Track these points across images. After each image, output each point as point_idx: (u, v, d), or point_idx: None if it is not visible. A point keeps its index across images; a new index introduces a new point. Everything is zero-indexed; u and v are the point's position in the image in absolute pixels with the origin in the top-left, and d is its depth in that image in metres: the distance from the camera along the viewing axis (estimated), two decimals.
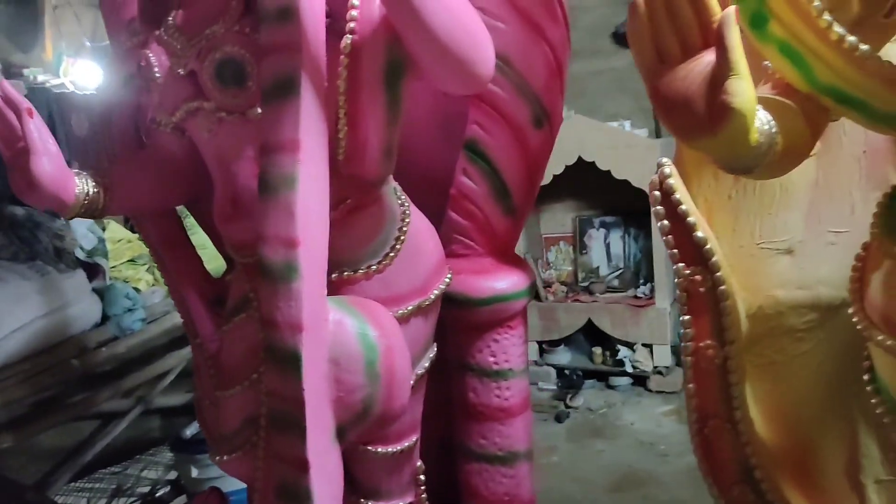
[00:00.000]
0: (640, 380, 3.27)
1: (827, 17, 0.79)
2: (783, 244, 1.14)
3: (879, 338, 0.88)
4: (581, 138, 3.10)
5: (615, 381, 3.30)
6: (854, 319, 0.93)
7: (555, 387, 3.35)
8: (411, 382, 1.18)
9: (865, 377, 0.95)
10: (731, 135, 0.75)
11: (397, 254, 1.17)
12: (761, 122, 0.80)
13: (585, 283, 3.44)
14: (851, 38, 0.79)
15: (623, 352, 3.27)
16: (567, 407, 3.17)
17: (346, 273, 1.14)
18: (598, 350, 3.35)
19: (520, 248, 3.37)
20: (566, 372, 3.36)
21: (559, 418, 3.08)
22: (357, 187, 1.11)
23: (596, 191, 3.38)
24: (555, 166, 3.19)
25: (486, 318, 1.33)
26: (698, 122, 0.76)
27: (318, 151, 0.98)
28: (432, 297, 1.22)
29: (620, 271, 3.39)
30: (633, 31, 0.80)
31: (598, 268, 3.46)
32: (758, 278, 1.16)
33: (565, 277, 3.54)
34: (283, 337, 0.95)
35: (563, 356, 3.43)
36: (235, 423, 1.22)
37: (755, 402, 1.20)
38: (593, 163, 3.10)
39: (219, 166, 1.15)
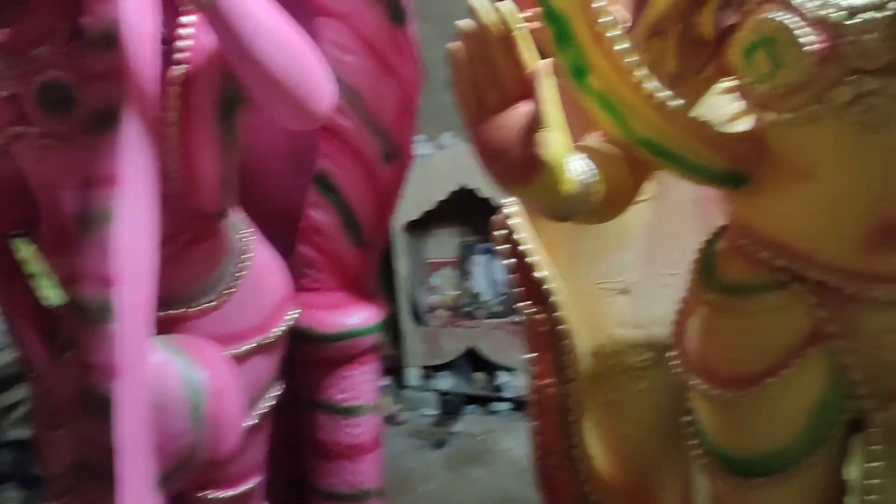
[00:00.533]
0: (520, 405, 3.30)
1: (639, 72, 0.82)
2: (620, 284, 1.17)
3: (695, 382, 0.91)
4: (464, 165, 3.10)
5: (496, 406, 3.32)
6: (673, 363, 0.96)
7: (436, 412, 3.34)
8: (251, 423, 1.15)
9: (687, 419, 0.97)
10: (542, 185, 0.76)
11: (236, 290, 1.12)
12: (579, 171, 0.81)
13: (468, 309, 3.46)
14: (661, 94, 0.82)
15: (503, 377, 3.30)
16: (447, 433, 3.16)
17: (179, 310, 1.09)
18: (479, 375, 3.37)
19: (404, 272, 3.37)
20: (448, 397, 3.35)
21: (439, 445, 3.06)
22: (194, 220, 1.07)
23: (480, 217, 3.40)
24: (439, 192, 3.20)
25: (336, 353, 1.31)
26: (512, 171, 0.77)
27: (141, 185, 0.94)
28: (276, 334, 1.18)
29: (503, 297, 3.42)
30: (453, 78, 0.80)
31: (480, 293, 3.48)
32: (598, 317, 1.18)
33: (450, 302, 3.54)
34: (96, 381, 0.90)
35: (445, 381, 3.42)
36: (62, 467, 1.14)
37: (597, 438, 1.22)
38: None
39: (45, 194, 1.09)
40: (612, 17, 0.83)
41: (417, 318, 3.41)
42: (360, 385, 1.32)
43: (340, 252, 1.30)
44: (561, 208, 0.82)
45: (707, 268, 0.91)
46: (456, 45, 0.78)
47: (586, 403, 1.18)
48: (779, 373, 0.83)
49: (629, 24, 0.94)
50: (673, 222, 1.15)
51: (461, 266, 3.49)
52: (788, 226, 0.83)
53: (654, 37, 0.87)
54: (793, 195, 0.81)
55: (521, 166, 0.76)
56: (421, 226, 3.41)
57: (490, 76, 0.77)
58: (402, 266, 3.38)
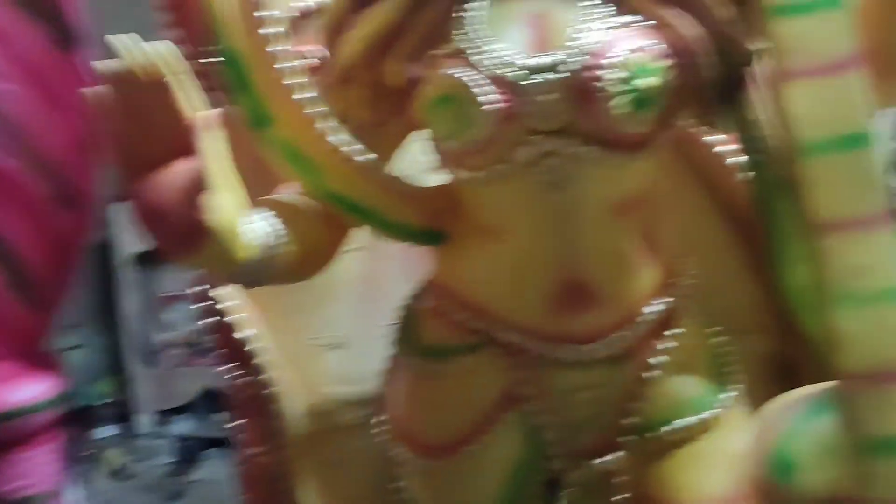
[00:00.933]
0: None
1: (325, 123, 0.76)
2: (331, 339, 1.10)
3: (398, 450, 0.86)
4: None
5: None
6: (378, 430, 0.90)
7: (172, 460, 3.08)
8: None
9: (396, 485, 0.92)
10: (211, 254, 0.67)
11: None
12: (259, 233, 0.73)
13: (206, 345, 3.24)
14: (349, 148, 0.76)
15: None
16: (186, 482, 2.92)
17: None
18: (220, 416, 3.16)
19: (134, 307, 3.08)
20: (186, 443, 3.10)
21: (175, 497, 2.82)
22: None
23: None
24: None
25: (3, 436, 1.10)
26: (176, 239, 0.67)
27: None
28: None
29: None
30: (104, 128, 0.67)
31: None
32: (310, 375, 1.09)
33: (185, 339, 3.30)
34: None
35: (182, 425, 3.17)
36: None
37: (318, 502, 1.14)
38: None
39: None
40: (294, 62, 0.76)
41: (148, 358, 3.13)
42: (36, 470, 1.13)
43: (6, 314, 1.10)
44: (240, 276, 0.73)
45: (407, 329, 0.87)
46: (101, 89, 0.65)
47: (303, 467, 1.10)
48: (477, 438, 0.80)
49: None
50: (385, 273, 1.10)
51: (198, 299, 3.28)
52: (481, 286, 0.80)
53: (346, 84, 0.81)
54: (484, 254, 0.79)
55: (185, 233, 0.66)
56: (153, 257, 3.15)
57: (145, 127, 0.66)
58: (130, 302, 3.11)
